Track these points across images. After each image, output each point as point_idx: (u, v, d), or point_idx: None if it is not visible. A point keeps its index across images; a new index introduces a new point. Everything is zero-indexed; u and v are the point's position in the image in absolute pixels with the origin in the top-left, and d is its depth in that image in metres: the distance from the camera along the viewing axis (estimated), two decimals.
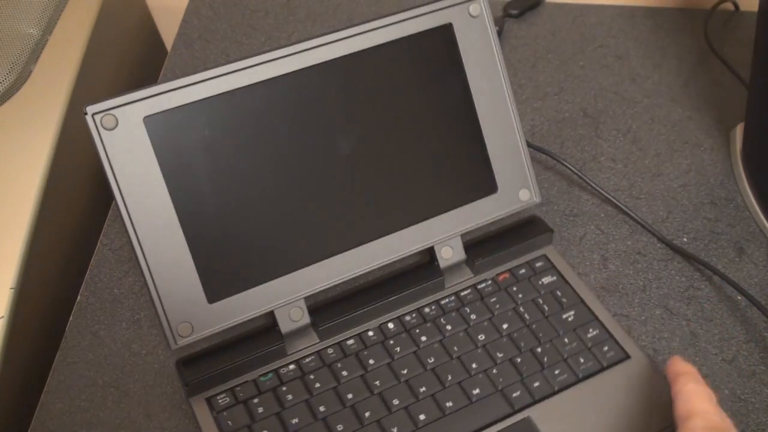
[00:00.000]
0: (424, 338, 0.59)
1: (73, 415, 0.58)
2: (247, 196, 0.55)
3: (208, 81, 0.53)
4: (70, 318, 0.63)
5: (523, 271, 0.64)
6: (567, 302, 0.61)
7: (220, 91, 0.54)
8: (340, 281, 0.59)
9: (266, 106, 0.55)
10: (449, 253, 0.62)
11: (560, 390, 0.56)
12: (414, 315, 0.61)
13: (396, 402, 0.55)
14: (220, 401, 0.56)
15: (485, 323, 0.60)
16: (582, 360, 0.58)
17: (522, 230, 0.65)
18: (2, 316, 0.59)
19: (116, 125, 0.51)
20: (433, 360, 0.58)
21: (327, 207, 0.57)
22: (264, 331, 0.59)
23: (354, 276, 0.59)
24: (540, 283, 0.63)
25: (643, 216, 0.70)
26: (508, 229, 0.66)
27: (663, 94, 0.81)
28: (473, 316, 0.60)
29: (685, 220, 0.70)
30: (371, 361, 0.58)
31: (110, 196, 0.72)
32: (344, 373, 0.57)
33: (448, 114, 0.60)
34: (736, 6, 0.90)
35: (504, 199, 0.63)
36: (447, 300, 0.61)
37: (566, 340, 0.59)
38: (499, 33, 0.87)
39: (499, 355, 0.58)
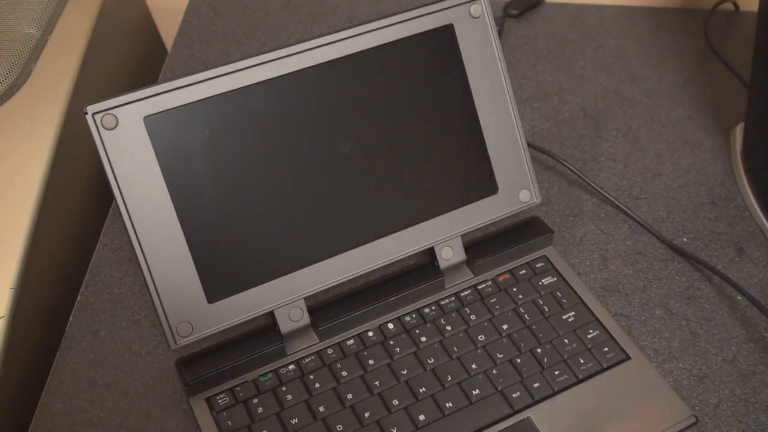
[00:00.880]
0: (423, 339, 0.59)
1: (73, 415, 0.58)
2: (247, 196, 0.55)
3: (209, 81, 0.53)
4: (70, 318, 0.63)
5: (523, 271, 0.63)
6: (567, 303, 0.61)
7: (221, 91, 0.54)
8: (340, 281, 0.59)
9: (266, 106, 0.55)
10: (449, 254, 0.62)
11: (560, 391, 0.56)
12: (414, 315, 0.60)
13: (396, 402, 0.55)
14: (219, 401, 0.56)
15: (485, 324, 0.60)
16: (582, 361, 0.58)
17: (522, 231, 0.65)
18: (2, 316, 0.59)
19: (116, 125, 0.51)
20: (432, 360, 0.58)
21: (327, 207, 0.57)
22: (264, 331, 0.59)
23: (354, 276, 0.59)
24: (540, 283, 0.63)
25: (643, 216, 0.70)
26: (509, 230, 0.66)
27: (663, 94, 0.81)
28: (473, 317, 0.60)
29: (685, 220, 0.70)
30: (371, 362, 0.58)
31: (110, 196, 0.72)
32: (344, 373, 0.57)
33: (448, 115, 0.60)
34: (736, 6, 0.90)
35: (504, 199, 0.63)
36: (447, 300, 0.61)
37: (566, 340, 0.59)
38: (499, 33, 0.87)
39: (499, 356, 0.58)
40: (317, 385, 0.56)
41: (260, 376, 0.57)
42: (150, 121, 0.52)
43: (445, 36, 0.59)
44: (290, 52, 0.55)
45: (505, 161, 0.62)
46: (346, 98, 0.57)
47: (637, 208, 0.71)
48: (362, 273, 0.59)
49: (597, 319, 0.60)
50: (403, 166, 0.59)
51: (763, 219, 0.68)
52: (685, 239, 0.68)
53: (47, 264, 0.66)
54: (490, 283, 0.63)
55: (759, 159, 0.70)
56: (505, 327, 0.60)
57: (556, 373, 0.57)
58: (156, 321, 0.63)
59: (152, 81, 0.91)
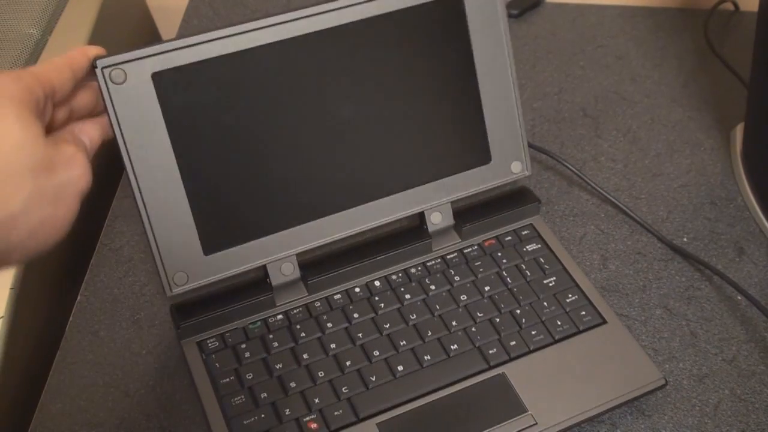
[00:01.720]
0: (408, 296, 0.61)
1: (73, 415, 0.58)
2: (247, 155, 0.57)
3: (217, 41, 0.54)
4: (70, 318, 0.63)
5: (509, 238, 0.65)
6: (549, 269, 0.63)
7: (228, 51, 0.55)
8: (332, 240, 0.60)
9: (271, 68, 0.56)
10: (438, 218, 0.64)
11: (536, 350, 0.59)
12: (400, 274, 0.63)
13: (376, 353, 0.58)
14: (209, 345, 0.58)
15: (468, 285, 0.62)
16: (559, 323, 0.60)
17: (510, 200, 0.67)
18: (2, 316, 0.59)
19: (125, 80, 0.52)
20: (415, 317, 0.60)
21: (324, 168, 0.59)
22: (255, 283, 0.61)
23: (346, 236, 0.61)
24: (524, 249, 0.64)
25: (643, 216, 0.70)
26: (498, 198, 0.67)
27: (663, 94, 0.81)
28: (457, 278, 0.62)
29: (685, 220, 0.70)
30: (356, 315, 0.60)
31: (110, 197, 0.72)
32: (329, 324, 0.59)
33: (450, 84, 0.61)
34: (736, 6, 0.90)
35: (496, 169, 0.64)
36: (433, 262, 0.64)
37: (545, 303, 0.61)
38: None
39: (479, 315, 0.60)
40: (303, 334, 0.59)
41: (250, 323, 0.60)
42: (158, 77, 0.53)
43: (454, 6, 0.60)
44: (299, 16, 0.56)
45: (500, 132, 0.63)
46: (351, 63, 0.58)
47: (637, 208, 0.71)
48: (354, 233, 0.61)
49: (577, 285, 0.62)
50: (401, 133, 0.61)
51: (763, 219, 0.68)
52: (685, 239, 0.68)
53: (47, 264, 0.66)
54: (476, 247, 0.65)
55: (759, 159, 0.70)
56: (487, 288, 0.62)
57: (533, 332, 0.59)
58: (156, 321, 0.63)
59: None
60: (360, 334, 0.59)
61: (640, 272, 0.66)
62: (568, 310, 0.61)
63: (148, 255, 0.67)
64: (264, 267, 0.60)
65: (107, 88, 0.52)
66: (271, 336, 0.59)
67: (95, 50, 0.50)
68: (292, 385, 0.56)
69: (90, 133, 0.49)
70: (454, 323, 0.60)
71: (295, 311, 0.60)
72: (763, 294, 0.64)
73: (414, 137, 0.61)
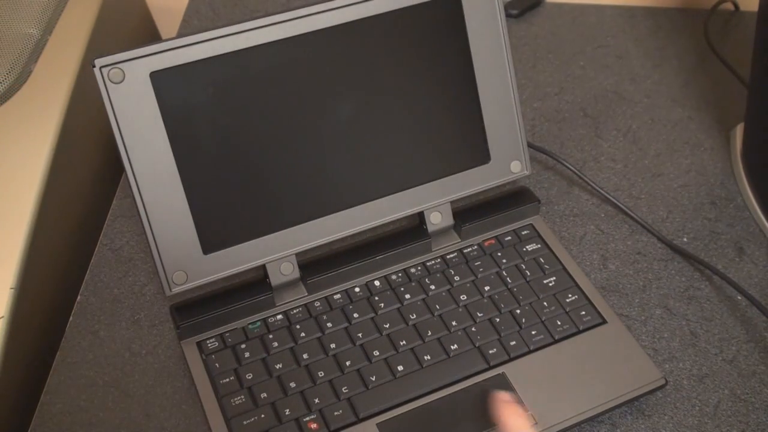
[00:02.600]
0: (408, 296, 0.61)
1: (73, 415, 0.58)
2: (246, 154, 0.57)
3: (215, 40, 0.54)
4: (70, 318, 0.63)
5: (508, 238, 0.65)
6: (549, 269, 0.63)
7: (227, 51, 0.55)
8: (332, 240, 0.60)
9: (270, 67, 0.56)
10: (438, 218, 0.64)
11: (536, 349, 0.59)
12: (400, 274, 0.63)
13: (376, 353, 0.58)
14: (209, 345, 0.59)
15: (468, 285, 0.62)
16: (559, 323, 0.60)
17: (510, 199, 0.67)
18: (2, 316, 0.59)
19: (123, 79, 0.53)
20: (415, 316, 0.60)
21: (323, 168, 0.59)
22: (255, 283, 0.61)
23: (345, 235, 0.61)
24: (524, 249, 0.65)
25: (643, 216, 0.70)
26: (497, 198, 0.67)
27: (663, 94, 0.81)
28: (457, 278, 0.62)
29: (685, 220, 0.70)
30: (356, 315, 0.60)
31: (110, 197, 0.72)
32: (329, 324, 0.59)
33: (448, 83, 0.62)
34: (736, 6, 0.90)
35: (496, 169, 0.64)
36: (433, 262, 0.64)
37: (545, 303, 0.61)
38: None
39: (479, 315, 0.60)
40: (303, 334, 0.59)
41: (249, 324, 0.60)
42: (156, 76, 0.53)
43: (451, 5, 0.60)
44: (296, 16, 0.56)
45: (499, 132, 0.64)
46: (349, 63, 0.58)
47: (637, 208, 0.71)
48: (353, 233, 0.61)
49: (577, 285, 0.62)
50: (400, 133, 0.61)
51: (763, 219, 0.68)
52: (685, 239, 0.68)
53: (47, 264, 0.66)
54: (475, 247, 0.65)
55: (759, 159, 0.70)
56: (486, 288, 0.62)
57: (533, 332, 0.59)
58: (156, 321, 0.63)
59: None
60: (360, 334, 0.59)
61: (640, 272, 0.66)
62: (568, 310, 0.61)
63: (148, 255, 0.67)
64: (263, 267, 0.60)
65: (106, 88, 0.52)
66: (270, 336, 0.59)
67: None
68: (292, 385, 0.56)
69: None
70: (454, 323, 0.60)
71: (294, 311, 0.60)
72: (763, 294, 0.64)
73: (413, 137, 0.61)
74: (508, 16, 0.90)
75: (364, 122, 0.60)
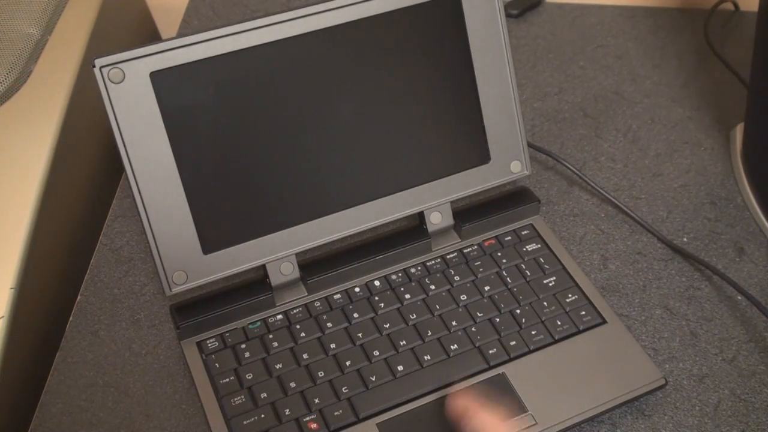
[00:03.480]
0: (408, 296, 0.61)
1: (73, 415, 0.58)
2: (246, 154, 0.57)
3: (215, 40, 0.54)
4: (70, 318, 0.63)
5: (508, 238, 0.66)
6: (549, 269, 0.63)
7: (227, 51, 0.55)
8: (332, 240, 0.61)
9: (270, 67, 0.56)
10: (438, 218, 0.64)
11: (536, 349, 0.59)
12: (400, 274, 0.63)
13: (376, 353, 0.58)
14: (209, 345, 0.59)
15: (468, 285, 0.62)
16: (559, 323, 0.60)
17: (510, 200, 0.67)
18: (2, 316, 0.59)
19: (123, 79, 0.53)
20: (415, 316, 0.60)
21: (323, 168, 0.59)
22: (255, 283, 0.61)
23: (345, 235, 0.61)
24: (524, 249, 0.65)
25: (643, 216, 0.70)
26: (497, 198, 0.67)
27: (663, 94, 0.81)
28: (457, 278, 0.62)
29: (685, 220, 0.70)
30: (356, 315, 0.60)
31: (110, 197, 0.72)
32: (329, 324, 0.59)
33: (448, 84, 0.62)
34: (736, 6, 0.90)
35: (496, 169, 0.64)
36: (433, 262, 0.64)
37: (545, 303, 0.61)
38: None
39: (479, 315, 0.60)
40: (303, 334, 0.59)
41: (249, 324, 0.60)
42: (156, 76, 0.53)
43: (451, 5, 0.60)
44: (297, 16, 0.56)
45: (499, 132, 0.64)
46: (349, 63, 0.58)
47: (637, 208, 0.71)
48: (353, 233, 0.61)
49: (577, 285, 0.62)
50: (400, 133, 0.61)
51: (763, 219, 0.68)
52: (685, 239, 0.68)
53: (47, 264, 0.66)
54: (475, 247, 0.65)
55: (759, 159, 0.70)
56: (486, 288, 0.62)
57: (533, 332, 0.59)
58: (156, 321, 0.63)
59: None
60: (360, 334, 0.59)
61: (640, 272, 0.66)
62: (568, 310, 0.61)
63: (148, 255, 0.67)
64: (263, 267, 0.60)
65: (106, 88, 0.52)
66: (270, 336, 0.59)
67: None
68: (292, 385, 0.56)
69: None
70: (454, 323, 0.60)
71: (294, 311, 0.60)
72: (763, 294, 0.64)
73: (413, 137, 0.61)
74: (508, 16, 0.90)
75: (364, 122, 0.60)
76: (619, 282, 0.65)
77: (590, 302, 0.61)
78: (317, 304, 0.61)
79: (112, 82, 0.53)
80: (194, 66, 0.54)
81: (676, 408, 0.58)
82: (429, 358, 0.58)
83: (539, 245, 0.65)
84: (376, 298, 0.61)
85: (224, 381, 0.56)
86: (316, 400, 0.55)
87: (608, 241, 0.68)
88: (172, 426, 0.57)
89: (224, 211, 0.57)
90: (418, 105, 0.61)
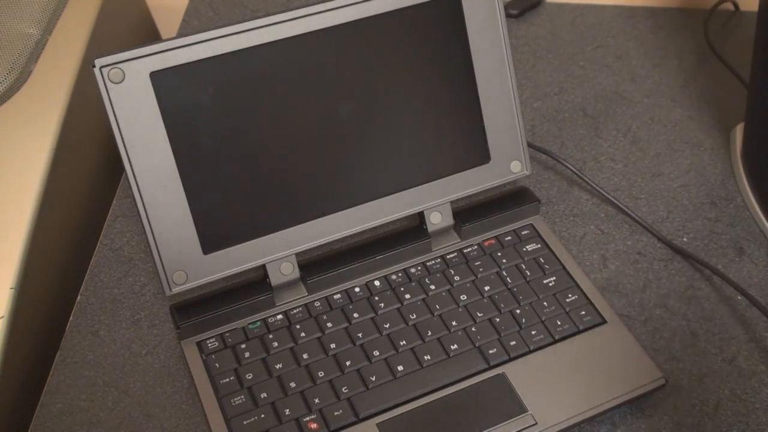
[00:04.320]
0: (408, 296, 0.61)
1: (73, 415, 0.58)
2: (246, 154, 0.57)
3: (215, 40, 0.54)
4: (70, 318, 0.63)
5: (508, 238, 0.66)
6: (549, 268, 0.63)
7: (227, 51, 0.55)
8: (332, 240, 0.61)
9: (270, 67, 0.56)
10: (438, 218, 0.64)
11: (536, 349, 0.59)
12: (400, 274, 0.63)
13: (376, 353, 0.58)
14: (209, 345, 0.59)
15: (468, 285, 0.62)
16: (559, 322, 0.60)
17: (510, 200, 0.67)
18: (2, 316, 0.59)
19: (123, 79, 0.53)
20: (415, 316, 0.60)
21: (323, 168, 0.59)
22: (255, 283, 0.61)
23: (345, 235, 0.61)
24: (524, 249, 0.65)
25: (643, 216, 0.70)
26: (497, 198, 0.67)
27: (663, 94, 0.81)
28: (457, 278, 0.63)
29: (685, 220, 0.70)
30: (356, 315, 0.60)
31: (110, 197, 0.72)
32: (329, 324, 0.59)
33: (448, 83, 0.62)
34: (736, 6, 0.90)
35: (496, 169, 0.64)
36: (433, 262, 0.64)
37: (545, 303, 0.61)
38: None
39: (479, 315, 0.60)
40: (303, 334, 0.59)
41: (249, 324, 0.60)
42: (156, 76, 0.54)
43: (451, 5, 0.60)
44: (297, 16, 0.56)
45: (499, 132, 0.64)
46: (349, 63, 0.58)
47: (637, 208, 0.71)
48: (353, 233, 0.61)
49: (577, 285, 0.62)
50: (400, 133, 0.61)
51: (763, 219, 0.68)
52: (685, 239, 0.68)
53: (47, 264, 0.66)
54: (475, 247, 0.65)
55: (759, 159, 0.70)
56: (486, 288, 0.62)
57: (533, 332, 0.59)
58: (156, 321, 0.63)
59: None
60: (360, 334, 0.59)
61: (640, 272, 0.66)
62: (568, 309, 0.61)
63: (148, 255, 0.67)
64: (263, 267, 0.60)
65: (106, 88, 0.52)
66: (270, 336, 0.59)
67: None
68: (292, 385, 0.56)
69: None
70: (454, 323, 0.60)
71: (294, 311, 0.60)
72: (763, 294, 0.64)
73: (413, 137, 0.61)
74: (508, 16, 0.90)
75: (364, 122, 0.60)
76: (619, 282, 0.65)
77: (590, 302, 0.61)
78: (317, 304, 0.61)
79: (112, 82, 0.53)
80: (194, 66, 0.54)
81: (676, 408, 0.58)
82: (429, 358, 0.58)
83: (539, 245, 0.65)
84: (376, 298, 0.61)
85: (224, 381, 0.56)
86: (316, 400, 0.55)
87: (608, 241, 0.68)
88: (172, 426, 0.57)
89: (224, 211, 0.57)
90: (418, 105, 0.61)
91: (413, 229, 0.65)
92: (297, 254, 0.60)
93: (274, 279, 0.60)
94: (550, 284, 0.62)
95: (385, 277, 0.63)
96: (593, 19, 0.90)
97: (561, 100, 0.81)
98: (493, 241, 0.65)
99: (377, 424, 0.55)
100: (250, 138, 0.57)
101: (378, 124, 0.60)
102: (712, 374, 0.59)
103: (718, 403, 0.58)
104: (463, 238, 0.65)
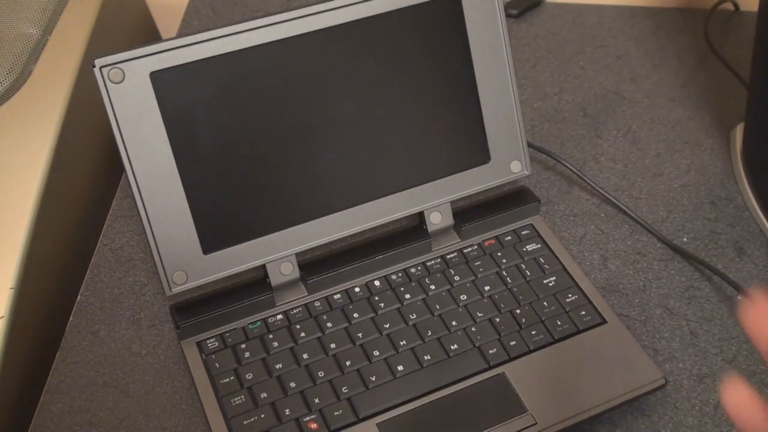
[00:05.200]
0: (408, 296, 0.61)
1: (73, 415, 0.58)
2: (246, 154, 0.57)
3: (215, 40, 0.54)
4: (70, 318, 0.63)
5: (508, 237, 0.66)
6: (549, 268, 0.63)
7: (227, 51, 0.55)
8: (332, 240, 0.61)
9: (270, 67, 0.56)
10: (438, 218, 0.64)
11: (536, 349, 0.59)
12: (400, 274, 0.63)
13: (376, 353, 0.58)
14: (209, 345, 0.59)
15: (468, 285, 0.62)
16: (559, 322, 0.60)
17: (510, 199, 0.67)
18: (2, 316, 0.59)
19: (123, 79, 0.53)
20: (414, 316, 0.60)
21: (323, 168, 0.59)
22: (255, 283, 0.61)
23: (345, 235, 0.61)
24: (524, 249, 0.65)
25: (643, 216, 0.70)
26: (497, 198, 0.67)
27: (663, 94, 0.81)
28: (457, 278, 0.63)
29: (685, 220, 0.70)
30: (356, 315, 0.60)
31: (110, 197, 0.72)
32: (329, 324, 0.59)
33: (448, 83, 0.62)
34: (736, 6, 0.90)
35: (496, 169, 0.64)
36: (433, 262, 0.64)
37: (545, 303, 0.61)
38: None
39: (479, 315, 0.60)
40: (303, 334, 0.59)
41: (249, 324, 0.60)
42: (156, 76, 0.54)
43: (451, 5, 0.60)
44: (297, 16, 0.56)
45: (499, 132, 0.64)
46: (349, 63, 0.58)
47: (637, 208, 0.71)
48: (353, 233, 0.61)
49: (577, 285, 0.62)
50: (399, 133, 0.61)
51: (763, 219, 0.68)
52: (685, 239, 0.68)
53: (47, 264, 0.66)
54: (475, 247, 0.65)
55: (759, 159, 0.70)
56: (486, 288, 0.62)
57: (533, 332, 0.59)
58: (156, 321, 0.63)
59: None
60: (360, 334, 0.59)
61: (640, 272, 0.66)
62: (568, 309, 0.61)
63: (148, 255, 0.67)
64: (263, 267, 0.60)
65: (106, 88, 0.53)
66: (270, 336, 0.59)
67: None
68: (292, 385, 0.56)
69: None
70: (454, 323, 0.60)
71: (294, 311, 0.60)
72: None
73: (413, 137, 0.61)
74: (508, 16, 0.90)
75: (364, 122, 0.60)
76: (619, 282, 0.65)
77: (590, 302, 0.61)
78: (317, 304, 0.61)
79: (112, 82, 0.53)
80: (194, 66, 0.54)
81: (676, 408, 0.58)
82: (429, 358, 0.58)
83: (539, 245, 0.65)
84: (376, 298, 0.61)
85: (224, 381, 0.56)
86: (316, 400, 0.55)
87: (608, 241, 0.68)
88: (172, 426, 0.57)
89: (224, 211, 0.57)
90: (418, 105, 0.61)
91: (413, 229, 0.65)
92: (297, 254, 0.60)
93: (274, 279, 0.60)
94: (550, 284, 0.62)
95: (385, 277, 0.63)
96: (593, 19, 0.90)
97: (561, 100, 0.81)
98: (493, 241, 0.65)
99: (377, 424, 0.55)
100: (250, 138, 0.57)
101: (378, 124, 0.60)
102: (712, 374, 0.59)
103: (718, 403, 0.58)
104: (463, 238, 0.65)
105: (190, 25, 0.90)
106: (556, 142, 0.76)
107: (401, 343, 0.58)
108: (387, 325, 0.59)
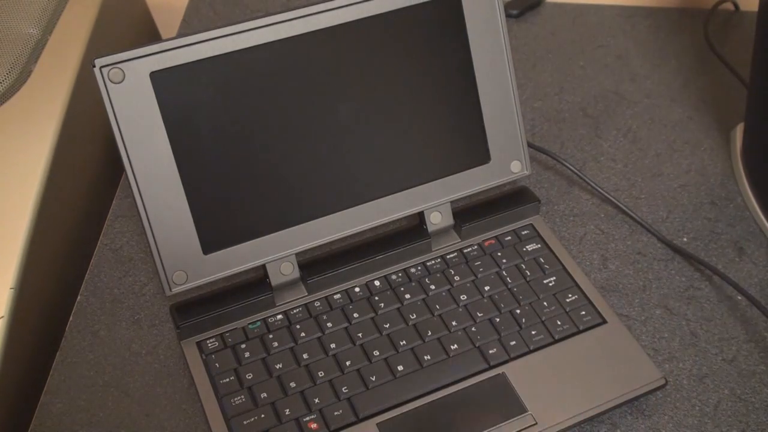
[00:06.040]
0: (408, 296, 0.61)
1: (73, 415, 0.58)
2: (246, 154, 0.57)
3: (215, 40, 0.54)
4: (70, 318, 0.63)
5: (508, 237, 0.66)
6: (549, 269, 0.63)
7: (227, 51, 0.55)
8: (332, 240, 0.61)
9: (270, 67, 0.56)
10: (438, 218, 0.64)
11: (536, 349, 0.59)
12: (400, 274, 0.63)
13: (376, 353, 0.58)
14: (209, 345, 0.59)
15: (468, 284, 0.62)
16: (559, 322, 0.60)
17: (510, 199, 0.67)
18: (2, 316, 0.59)
19: (123, 79, 0.53)
20: (415, 316, 0.60)
21: (323, 168, 0.59)
22: (255, 283, 0.61)
23: (345, 235, 0.61)
24: (524, 249, 0.65)
25: (643, 216, 0.70)
26: (497, 198, 0.67)
27: (663, 94, 0.81)
28: (457, 278, 0.63)
29: (685, 220, 0.70)
30: (356, 315, 0.60)
31: (110, 197, 0.72)
32: (329, 324, 0.59)
33: (448, 84, 0.62)
34: (736, 6, 0.90)
35: (496, 169, 0.64)
36: (433, 262, 0.64)
37: (545, 303, 0.61)
38: None
39: (479, 315, 0.60)
40: (303, 334, 0.59)
41: (249, 324, 0.60)
42: (156, 76, 0.54)
43: (451, 5, 0.60)
44: (297, 16, 0.56)
45: (499, 132, 0.64)
46: (349, 63, 0.58)
47: (637, 208, 0.71)
48: (353, 233, 0.61)
49: (577, 285, 0.62)
50: (400, 133, 0.61)
51: (763, 219, 0.68)
52: (685, 239, 0.68)
53: (47, 264, 0.66)
54: (475, 247, 0.65)
55: (759, 159, 0.70)
56: (487, 288, 0.62)
57: (533, 332, 0.59)
58: (156, 321, 0.63)
59: None
60: (360, 334, 0.59)
61: (640, 272, 0.66)
62: (568, 309, 0.61)
63: (148, 255, 0.67)
64: (263, 267, 0.60)
65: (106, 88, 0.53)
66: (270, 336, 0.59)
67: None
68: (292, 385, 0.56)
69: None
70: (454, 323, 0.60)
71: (294, 311, 0.60)
72: (763, 294, 0.64)
73: (413, 137, 0.61)
74: (508, 16, 0.90)
75: (364, 122, 0.60)
76: (619, 282, 0.65)
77: (590, 302, 0.61)
78: (317, 304, 0.61)
79: (112, 82, 0.53)
80: (194, 66, 0.54)
81: (676, 408, 0.58)
82: (429, 358, 0.58)
83: (539, 245, 0.65)
84: (376, 298, 0.61)
85: (224, 381, 0.56)
86: (316, 400, 0.55)
87: (608, 241, 0.68)
88: (172, 426, 0.57)
89: (224, 211, 0.57)
90: (418, 105, 0.61)
91: (413, 229, 0.65)
92: (297, 254, 0.60)
93: (274, 279, 0.60)
94: (550, 284, 0.62)
95: (385, 277, 0.63)
96: (593, 19, 0.90)
97: (561, 100, 0.81)
98: (493, 241, 0.65)
99: (377, 424, 0.55)
100: (250, 138, 0.57)
101: (378, 124, 0.60)
102: (712, 374, 0.59)
103: (718, 403, 0.58)
104: (463, 238, 0.65)
105: (190, 25, 0.90)
106: (556, 142, 0.76)
107: (401, 343, 0.58)
108: (387, 325, 0.59)
